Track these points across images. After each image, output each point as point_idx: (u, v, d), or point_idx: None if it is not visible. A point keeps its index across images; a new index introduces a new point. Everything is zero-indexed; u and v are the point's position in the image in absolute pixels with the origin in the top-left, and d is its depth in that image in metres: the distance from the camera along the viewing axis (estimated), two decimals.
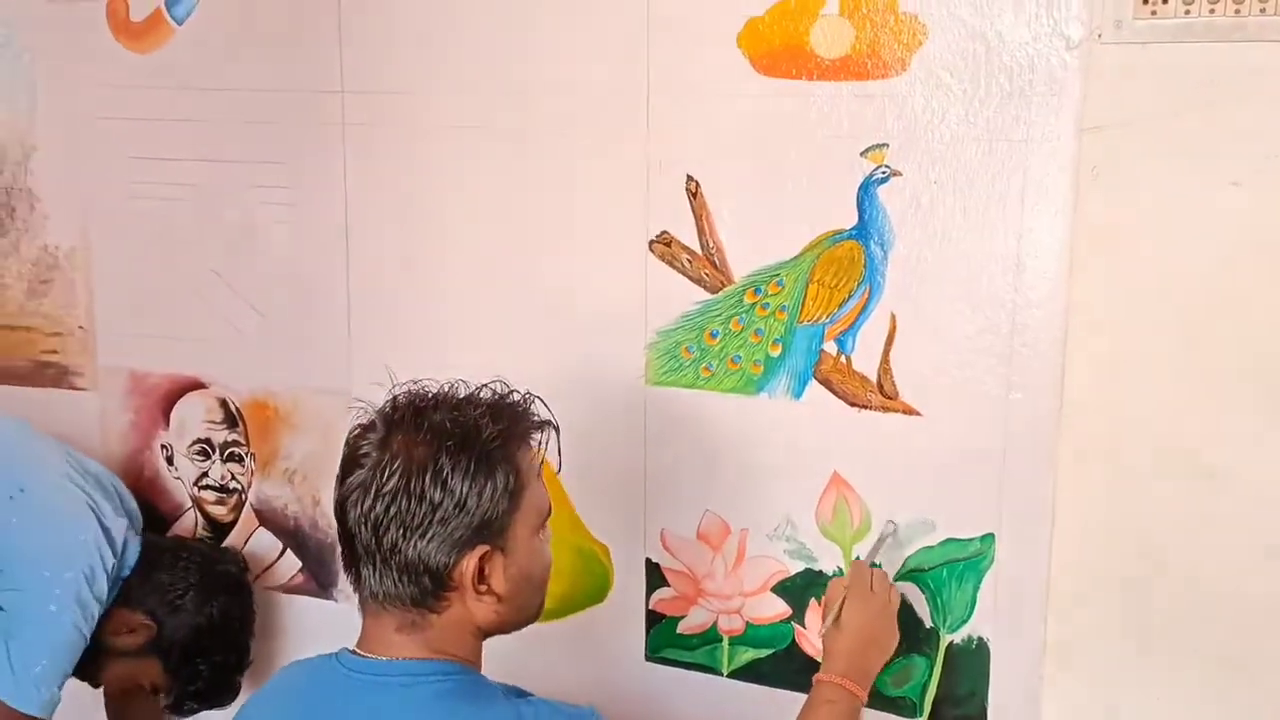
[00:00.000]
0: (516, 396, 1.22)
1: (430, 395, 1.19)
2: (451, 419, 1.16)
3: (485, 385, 1.22)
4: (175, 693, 1.69)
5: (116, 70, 1.78)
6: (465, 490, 1.13)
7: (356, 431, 1.19)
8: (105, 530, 1.63)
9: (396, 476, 1.13)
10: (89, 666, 1.66)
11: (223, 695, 1.74)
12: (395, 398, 1.20)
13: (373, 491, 1.13)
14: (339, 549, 1.22)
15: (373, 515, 1.13)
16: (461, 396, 1.20)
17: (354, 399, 1.21)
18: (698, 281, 1.51)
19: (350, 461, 1.17)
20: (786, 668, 1.55)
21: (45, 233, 1.88)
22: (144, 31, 1.76)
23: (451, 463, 1.13)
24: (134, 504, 1.77)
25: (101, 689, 1.73)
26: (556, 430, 1.24)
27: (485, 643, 1.23)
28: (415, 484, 1.12)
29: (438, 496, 1.12)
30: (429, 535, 1.13)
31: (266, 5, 1.68)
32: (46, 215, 1.88)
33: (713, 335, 1.52)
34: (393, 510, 1.13)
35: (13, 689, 1.53)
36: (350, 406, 1.22)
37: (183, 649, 1.67)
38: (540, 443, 1.23)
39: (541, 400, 1.24)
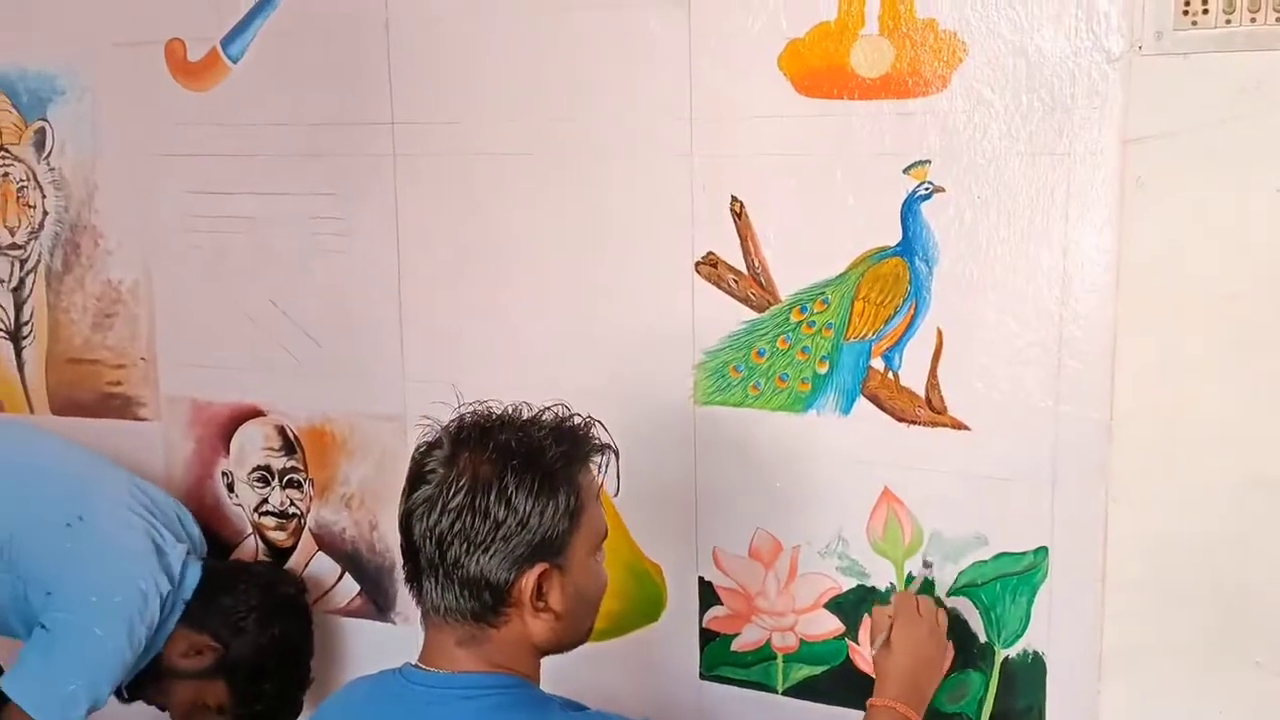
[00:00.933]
0: (578, 420, 1.24)
1: (495, 416, 1.22)
2: (517, 439, 1.18)
3: (548, 408, 1.24)
4: (240, 713, 1.72)
5: (175, 108, 1.83)
6: (528, 508, 1.15)
7: (423, 448, 1.21)
8: (162, 558, 1.66)
9: (463, 493, 1.15)
10: (156, 689, 1.70)
11: (286, 714, 1.77)
12: (462, 417, 1.22)
13: (439, 507, 1.16)
14: (400, 565, 1.24)
15: (438, 530, 1.16)
16: (525, 418, 1.22)
17: (421, 416, 1.23)
18: (744, 301, 1.53)
19: (417, 477, 1.19)
20: (842, 684, 1.54)
21: (108, 268, 1.93)
22: (201, 70, 1.81)
23: (516, 481, 1.15)
24: (197, 530, 1.81)
25: (169, 713, 1.76)
26: (616, 454, 1.26)
27: (541, 661, 1.24)
28: (480, 500, 1.15)
29: (501, 513, 1.15)
30: (491, 551, 1.15)
31: (318, 42, 1.72)
32: (109, 251, 1.93)
33: (760, 354, 1.53)
34: (457, 526, 1.15)
35: (39, 700, 1.54)
36: (416, 424, 1.24)
37: (248, 670, 1.70)
38: (600, 466, 1.25)
39: (602, 424, 1.26)
